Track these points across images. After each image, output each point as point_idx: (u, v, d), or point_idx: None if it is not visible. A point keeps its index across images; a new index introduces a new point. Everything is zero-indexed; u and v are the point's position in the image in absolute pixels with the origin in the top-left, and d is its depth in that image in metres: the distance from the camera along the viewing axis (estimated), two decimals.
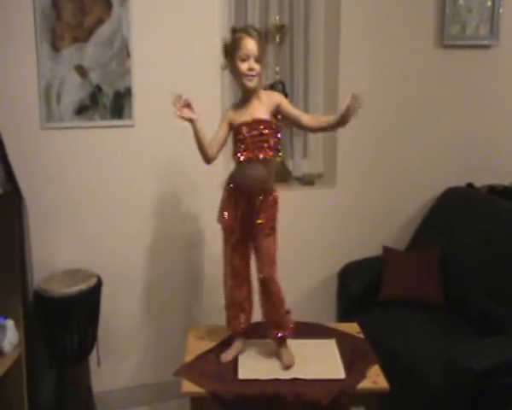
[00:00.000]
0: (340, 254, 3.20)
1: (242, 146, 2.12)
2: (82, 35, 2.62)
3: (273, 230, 2.20)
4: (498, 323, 2.61)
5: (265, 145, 2.12)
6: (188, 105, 2.12)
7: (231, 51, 2.12)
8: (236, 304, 2.28)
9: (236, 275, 2.26)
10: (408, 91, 3.25)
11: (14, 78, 2.58)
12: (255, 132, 2.11)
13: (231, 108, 2.22)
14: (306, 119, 2.19)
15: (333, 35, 3.15)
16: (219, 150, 2.20)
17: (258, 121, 2.12)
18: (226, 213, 2.21)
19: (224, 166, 2.86)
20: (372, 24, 3.12)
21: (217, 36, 2.84)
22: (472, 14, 3.29)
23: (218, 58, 2.83)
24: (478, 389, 2.21)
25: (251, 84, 2.11)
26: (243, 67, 2.09)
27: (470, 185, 3.36)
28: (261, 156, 2.12)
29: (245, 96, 2.17)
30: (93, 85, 2.67)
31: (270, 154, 2.13)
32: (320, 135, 3.30)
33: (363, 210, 3.26)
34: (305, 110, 3.29)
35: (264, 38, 2.23)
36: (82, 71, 2.64)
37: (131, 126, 2.77)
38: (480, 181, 3.35)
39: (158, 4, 2.73)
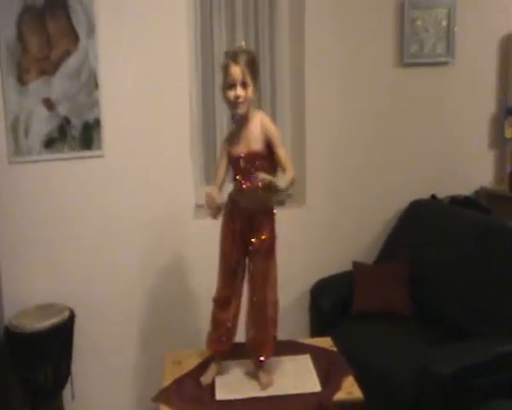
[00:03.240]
0: (312, 272, 3.25)
1: (238, 176, 2.15)
2: (49, 68, 2.64)
3: (272, 251, 2.23)
4: (465, 328, 2.69)
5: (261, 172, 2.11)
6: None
7: (222, 77, 2.12)
8: (222, 327, 2.29)
9: (228, 297, 2.26)
10: (371, 109, 3.35)
11: None
12: (251, 163, 2.11)
13: (227, 139, 2.22)
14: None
15: (298, 58, 3.23)
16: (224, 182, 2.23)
17: (254, 154, 2.12)
18: (228, 233, 2.21)
19: (195, 190, 2.90)
20: (335, 46, 3.21)
21: (184, 65, 2.90)
22: (429, 34, 3.41)
23: (186, 87, 2.92)
24: (448, 392, 2.27)
25: (239, 111, 2.10)
26: (230, 95, 2.07)
27: (434, 197, 3.46)
28: (260, 185, 2.07)
29: (237, 124, 2.16)
30: (61, 118, 2.69)
31: (267, 181, 2.11)
32: (289, 156, 3.34)
33: (333, 227, 3.33)
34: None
35: (254, 60, 2.12)
36: (49, 104, 2.66)
37: (101, 157, 2.79)
38: (443, 192, 3.45)
39: (125, 35, 2.77)
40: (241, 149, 2.14)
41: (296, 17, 3.21)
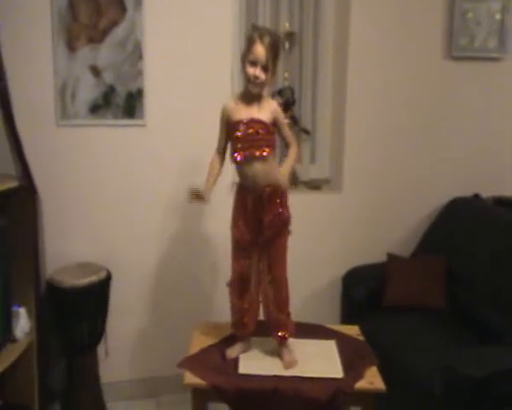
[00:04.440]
0: (345, 259, 3.23)
1: (239, 145, 2.14)
2: (97, 36, 2.69)
3: (286, 227, 2.22)
4: (499, 332, 2.63)
5: (262, 144, 2.13)
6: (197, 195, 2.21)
7: (245, 48, 2.13)
8: (242, 310, 2.30)
9: (244, 280, 2.27)
10: (416, 101, 3.30)
11: (30, 76, 2.66)
12: (251, 131, 2.12)
13: (232, 101, 2.21)
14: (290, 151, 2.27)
15: (341, 43, 3.21)
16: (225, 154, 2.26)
17: (256, 121, 2.13)
18: (240, 214, 2.22)
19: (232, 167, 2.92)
20: (381, 34, 3.17)
21: (227, 40, 2.92)
22: (480, 27, 3.32)
23: (228, 62, 2.95)
24: (477, 396, 2.23)
25: (254, 89, 2.12)
26: (250, 71, 2.10)
27: (476, 196, 3.38)
28: (257, 154, 2.12)
29: (248, 94, 2.17)
30: (106, 85, 2.75)
31: (267, 151, 2.14)
32: (328, 141, 3.36)
33: (369, 216, 3.30)
34: (313, 116, 3.35)
35: (278, 45, 2.14)
36: (96, 71, 2.72)
37: (143, 126, 2.85)
38: (487, 192, 3.37)
39: (170, 9, 2.80)
40: (243, 116, 2.14)
41: (342, 2, 3.18)
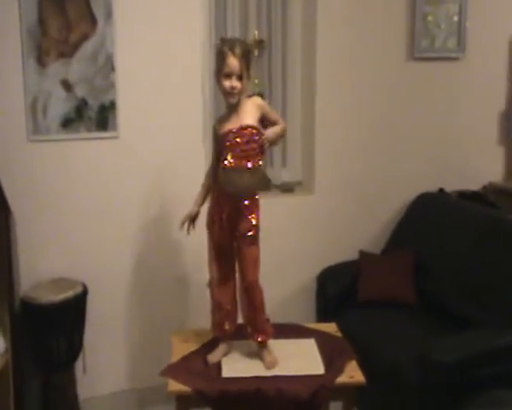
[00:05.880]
0: (319, 259, 3.30)
1: (230, 154, 2.17)
2: (68, 50, 2.70)
3: (257, 235, 2.26)
4: (468, 319, 2.73)
5: (253, 152, 2.17)
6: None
7: (218, 63, 2.18)
8: (222, 310, 2.33)
9: (222, 281, 2.31)
10: (382, 102, 3.39)
11: (0, 92, 2.64)
12: (243, 139, 2.16)
13: (217, 122, 2.28)
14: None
15: (309, 49, 3.28)
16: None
17: (246, 127, 2.17)
18: (214, 221, 2.26)
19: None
20: (347, 39, 3.25)
21: (198, 50, 2.95)
22: (440, 29, 3.46)
23: (199, 72, 2.98)
24: (449, 381, 2.32)
25: (232, 100, 2.17)
26: (226, 84, 2.14)
27: (441, 190, 3.49)
28: (249, 165, 2.16)
29: (229, 107, 2.23)
30: (78, 99, 2.75)
31: (257, 161, 2.18)
32: (299, 144, 3.43)
33: (341, 216, 3.37)
34: (284, 121, 3.40)
35: (250, 52, 2.20)
36: (67, 85, 2.72)
37: (116, 138, 2.85)
38: (451, 187, 3.50)
39: (141, 21, 2.82)
40: (232, 126, 2.19)
41: (309, 8, 3.25)
